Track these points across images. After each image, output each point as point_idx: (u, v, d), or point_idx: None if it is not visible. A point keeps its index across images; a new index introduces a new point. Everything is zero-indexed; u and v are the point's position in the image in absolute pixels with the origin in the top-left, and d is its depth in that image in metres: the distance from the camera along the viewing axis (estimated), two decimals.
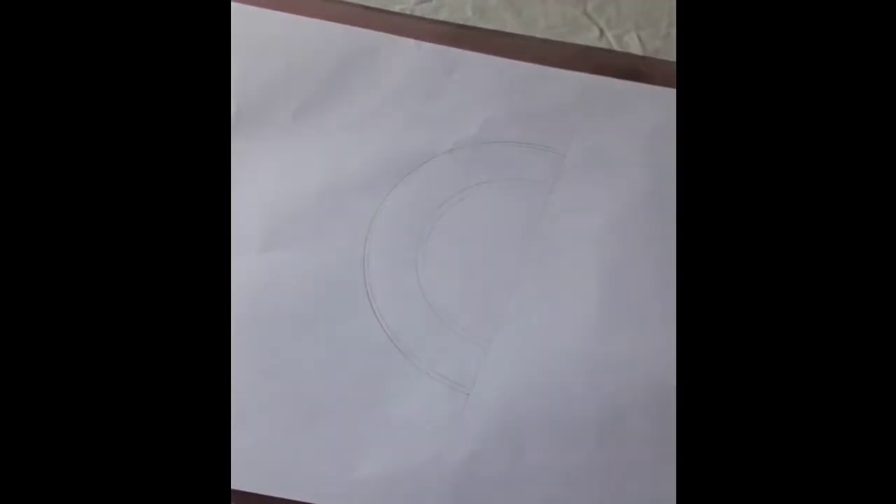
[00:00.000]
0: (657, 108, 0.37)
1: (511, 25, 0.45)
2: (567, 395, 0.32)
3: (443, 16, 0.46)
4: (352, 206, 0.38)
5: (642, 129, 0.38)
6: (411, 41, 0.45)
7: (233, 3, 0.41)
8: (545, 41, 0.45)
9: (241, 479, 0.31)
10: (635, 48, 0.34)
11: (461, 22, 0.46)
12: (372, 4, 0.47)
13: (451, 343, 0.34)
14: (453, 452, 0.31)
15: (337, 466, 0.31)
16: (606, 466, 0.31)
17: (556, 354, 0.34)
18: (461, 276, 0.36)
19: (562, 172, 0.34)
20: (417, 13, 0.46)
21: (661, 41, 0.43)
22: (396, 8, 0.46)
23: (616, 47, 0.37)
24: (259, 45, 0.40)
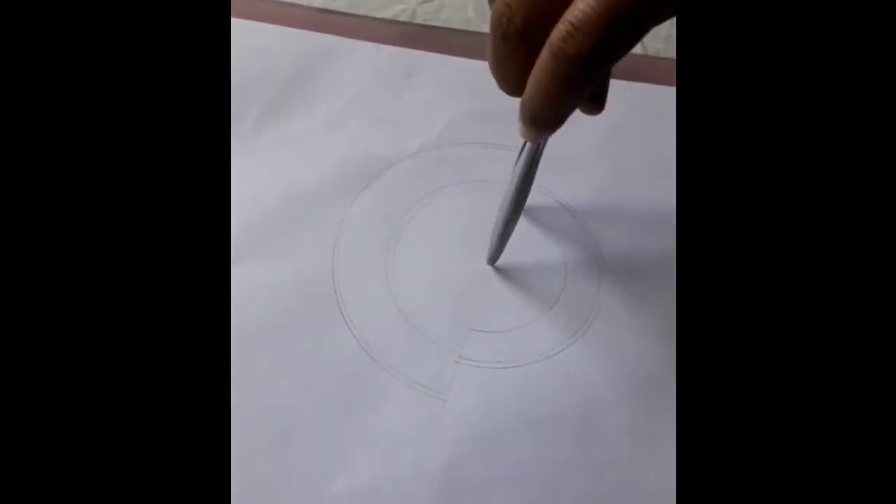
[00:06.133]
0: (620, 102, 0.37)
1: None
2: (543, 394, 0.32)
3: (444, 17, 0.46)
4: (318, 215, 0.38)
5: (607, 124, 0.38)
6: (370, 44, 0.45)
7: None
8: None
9: None
10: (636, 49, 0.35)
11: (462, 24, 0.45)
12: (363, 9, 0.46)
13: (424, 349, 0.34)
14: (432, 459, 0.31)
15: (314, 480, 0.30)
16: (584, 464, 0.31)
17: (531, 355, 0.34)
18: (432, 282, 0.36)
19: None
20: (419, 14, 0.46)
21: (661, 43, 0.43)
22: (398, 8, 0.46)
23: None
24: None
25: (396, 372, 0.33)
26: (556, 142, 0.30)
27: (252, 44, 0.44)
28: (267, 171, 0.39)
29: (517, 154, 0.30)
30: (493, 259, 0.36)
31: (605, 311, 0.35)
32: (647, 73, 0.42)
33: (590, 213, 0.31)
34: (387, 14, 0.46)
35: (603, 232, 0.37)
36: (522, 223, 0.33)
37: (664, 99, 0.40)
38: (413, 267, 0.36)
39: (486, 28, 0.44)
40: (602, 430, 0.32)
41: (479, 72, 0.44)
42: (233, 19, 0.45)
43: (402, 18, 0.46)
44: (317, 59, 0.44)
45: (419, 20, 0.46)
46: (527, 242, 0.36)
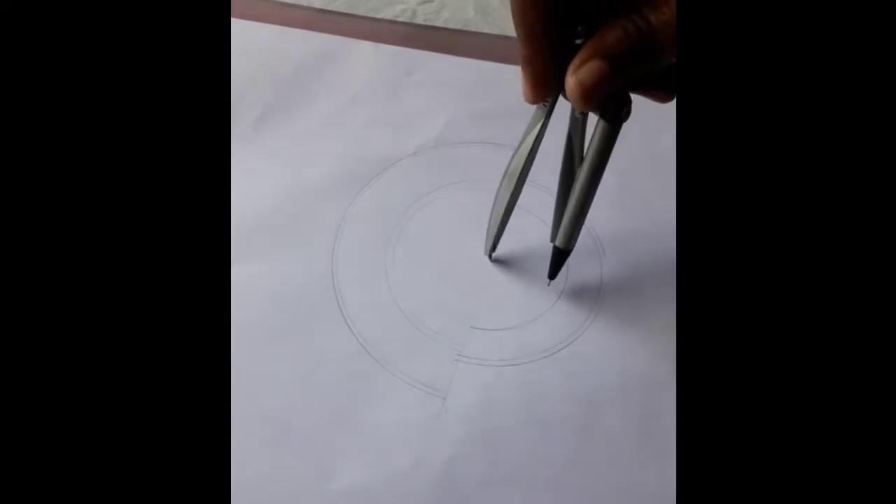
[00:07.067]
0: None
1: (513, 27, 0.45)
2: (543, 393, 0.32)
3: (445, 17, 0.46)
4: (318, 215, 0.38)
5: None
6: (370, 44, 0.45)
7: None
8: (508, 38, 0.45)
9: None
10: None
11: (462, 24, 0.45)
12: (363, 10, 0.46)
13: (424, 348, 0.34)
14: (432, 458, 0.31)
15: (314, 478, 0.30)
16: (585, 463, 0.31)
17: (531, 353, 0.34)
18: (431, 280, 0.36)
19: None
20: (419, 14, 0.46)
21: None
22: (398, 9, 0.46)
23: None
24: None
25: (396, 370, 0.33)
26: (558, 142, 0.30)
27: (252, 44, 0.44)
28: (267, 170, 0.39)
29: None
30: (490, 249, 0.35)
31: (607, 309, 0.35)
32: None
33: (592, 212, 0.31)
34: (387, 14, 0.46)
35: (605, 231, 0.38)
36: (525, 221, 0.33)
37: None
38: (413, 265, 0.36)
39: (486, 28, 0.44)
40: (603, 429, 0.32)
41: (479, 72, 0.45)
42: (233, 19, 0.45)
43: (402, 19, 0.46)
44: (317, 58, 0.44)
45: (419, 20, 0.46)
46: (528, 240, 0.37)
